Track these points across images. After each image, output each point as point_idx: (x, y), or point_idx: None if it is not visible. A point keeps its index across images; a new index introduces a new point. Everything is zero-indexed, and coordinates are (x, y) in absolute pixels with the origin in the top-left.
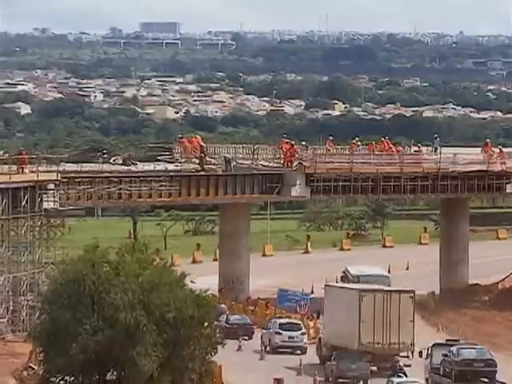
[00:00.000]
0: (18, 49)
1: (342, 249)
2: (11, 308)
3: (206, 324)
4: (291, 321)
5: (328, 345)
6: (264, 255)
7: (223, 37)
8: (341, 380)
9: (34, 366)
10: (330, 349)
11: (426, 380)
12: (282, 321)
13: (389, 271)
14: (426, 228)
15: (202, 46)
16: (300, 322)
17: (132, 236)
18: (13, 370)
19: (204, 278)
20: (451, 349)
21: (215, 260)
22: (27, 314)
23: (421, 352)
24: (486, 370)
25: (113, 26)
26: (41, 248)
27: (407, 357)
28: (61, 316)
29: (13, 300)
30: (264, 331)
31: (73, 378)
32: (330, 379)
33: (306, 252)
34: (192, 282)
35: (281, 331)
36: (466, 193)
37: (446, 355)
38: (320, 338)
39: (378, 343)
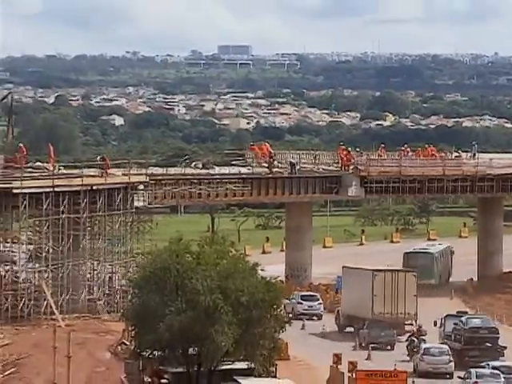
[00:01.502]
0: (112, 69)
1: (392, 241)
2: (107, 292)
3: (274, 306)
4: (310, 293)
5: (345, 315)
6: (324, 247)
7: (289, 58)
8: (372, 345)
9: (126, 342)
10: (347, 318)
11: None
12: (303, 293)
13: None
14: (465, 223)
15: (271, 66)
16: (317, 294)
17: (210, 230)
18: (108, 346)
19: (272, 267)
20: (461, 319)
21: (282, 251)
22: (120, 297)
23: (435, 322)
24: (489, 336)
25: (194, 48)
26: (132, 240)
27: (411, 324)
28: (149, 299)
29: (108, 285)
30: (288, 302)
31: (160, 353)
32: (363, 344)
33: (361, 244)
34: (262, 270)
35: (302, 301)
36: (500, 192)
37: (456, 324)
38: (338, 310)
39: (388, 313)
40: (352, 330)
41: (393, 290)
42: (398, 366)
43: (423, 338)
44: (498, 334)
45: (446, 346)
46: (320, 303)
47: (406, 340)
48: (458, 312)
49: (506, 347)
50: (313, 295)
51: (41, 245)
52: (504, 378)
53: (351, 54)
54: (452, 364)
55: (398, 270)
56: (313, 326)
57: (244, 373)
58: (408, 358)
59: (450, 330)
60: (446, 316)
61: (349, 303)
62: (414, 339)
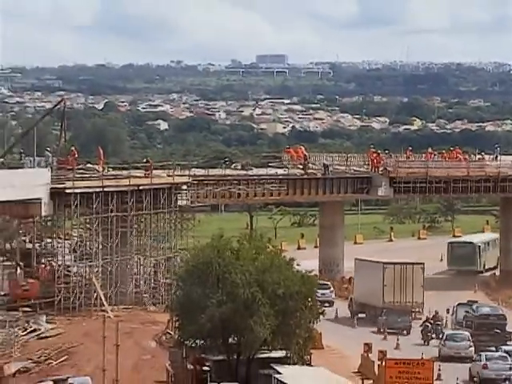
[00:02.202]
0: (157, 77)
1: (419, 238)
2: (152, 285)
3: (309, 298)
4: (323, 282)
5: (357, 303)
6: (355, 243)
7: (322, 66)
8: (390, 330)
9: (170, 332)
10: (359, 306)
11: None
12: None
13: None
14: (488, 221)
15: (306, 74)
16: (329, 283)
17: (249, 228)
18: (154, 335)
19: (307, 262)
20: (472, 307)
21: (316, 247)
22: (165, 290)
23: (448, 310)
24: (498, 323)
25: (234, 58)
26: (175, 237)
27: (418, 311)
28: (192, 292)
29: (154, 279)
30: None
31: (202, 342)
32: (382, 330)
33: (390, 240)
34: (297, 264)
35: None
36: None
37: (467, 312)
38: (351, 298)
39: (397, 302)
40: (364, 315)
41: (401, 280)
42: (413, 349)
43: (438, 323)
44: (506, 320)
45: (467, 333)
46: (332, 291)
47: (421, 326)
48: (468, 301)
49: None
50: (325, 284)
51: (91, 241)
52: None
53: (381, 62)
54: (472, 349)
55: (406, 263)
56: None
57: (281, 361)
58: (422, 342)
59: (461, 318)
60: (458, 304)
61: (361, 292)
62: (428, 324)
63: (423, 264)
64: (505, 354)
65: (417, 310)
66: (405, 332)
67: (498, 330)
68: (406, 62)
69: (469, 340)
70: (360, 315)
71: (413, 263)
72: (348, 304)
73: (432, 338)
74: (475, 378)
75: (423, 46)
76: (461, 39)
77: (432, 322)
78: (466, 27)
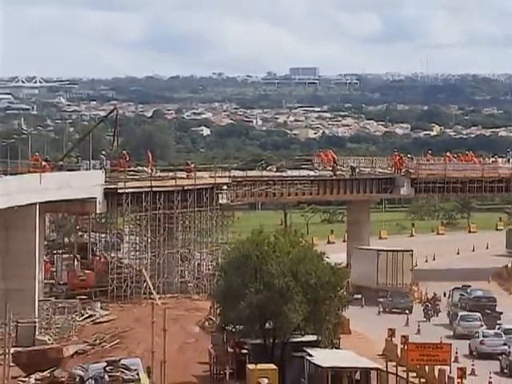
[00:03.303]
0: (201, 87)
1: (437, 233)
2: (196, 276)
3: (338, 288)
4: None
5: (354, 285)
6: (380, 238)
7: (350, 78)
8: (394, 310)
9: (212, 318)
10: (355, 288)
11: (448, 313)
12: None
13: (473, 250)
14: (501, 218)
15: (335, 85)
16: None
17: (283, 224)
18: (197, 321)
19: (336, 255)
20: (466, 290)
21: (344, 241)
22: (208, 280)
23: (445, 293)
24: (489, 304)
25: (269, 70)
26: (217, 232)
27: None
28: (232, 281)
29: (197, 270)
30: None
31: (241, 327)
32: (387, 310)
33: (411, 236)
34: (327, 257)
35: None
36: None
37: (462, 295)
38: (348, 281)
39: (389, 283)
40: (359, 296)
41: (393, 265)
42: (434, 334)
43: (438, 303)
44: (496, 302)
45: (479, 314)
46: None
47: (422, 305)
48: (463, 285)
49: (502, 312)
50: None
51: (141, 236)
52: (507, 337)
53: (403, 74)
54: (483, 328)
55: (397, 250)
56: None
57: (312, 344)
58: (424, 319)
59: (456, 300)
60: (454, 289)
61: (357, 275)
62: (429, 304)
63: (412, 251)
64: (499, 332)
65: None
66: (407, 311)
67: (488, 311)
68: (426, 74)
69: (480, 320)
70: (355, 296)
71: (403, 250)
72: (345, 286)
73: (432, 316)
74: (474, 353)
75: (441, 59)
76: (476, 53)
77: (432, 302)
78: (480, 42)
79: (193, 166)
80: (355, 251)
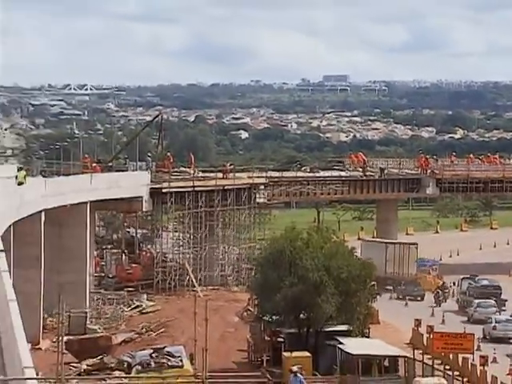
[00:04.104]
0: (239, 94)
1: (461, 230)
2: (235, 269)
3: (368, 281)
4: None
5: None
6: (407, 234)
7: (379, 84)
8: (408, 297)
9: (250, 309)
10: None
11: (457, 300)
12: None
13: (494, 246)
14: None
15: (365, 91)
16: None
17: (316, 221)
18: (237, 311)
19: None
20: (474, 279)
21: (373, 237)
22: (246, 273)
23: (454, 283)
24: (494, 292)
25: (303, 77)
26: (254, 229)
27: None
28: (269, 275)
29: (236, 264)
30: None
31: (277, 317)
32: (401, 297)
33: (436, 232)
34: (355, 252)
35: None
36: None
37: (470, 283)
38: None
39: (396, 273)
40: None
41: (399, 256)
42: (457, 325)
43: (446, 291)
44: (501, 290)
45: (493, 301)
46: None
47: (433, 292)
48: (471, 275)
49: (507, 300)
50: None
51: (184, 232)
52: None
53: (429, 81)
54: (498, 313)
55: (403, 243)
56: None
57: (344, 334)
58: (435, 305)
59: (465, 288)
60: (462, 278)
61: None
62: (439, 291)
63: (416, 244)
64: (511, 318)
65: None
66: (419, 298)
67: (494, 298)
68: (450, 81)
69: (495, 306)
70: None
71: (409, 243)
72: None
73: (442, 302)
74: (487, 337)
75: (465, 67)
76: (497, 61)
77: (441, 289)
78: (501, 51)
79: (230, 167)
80: (364, 243)
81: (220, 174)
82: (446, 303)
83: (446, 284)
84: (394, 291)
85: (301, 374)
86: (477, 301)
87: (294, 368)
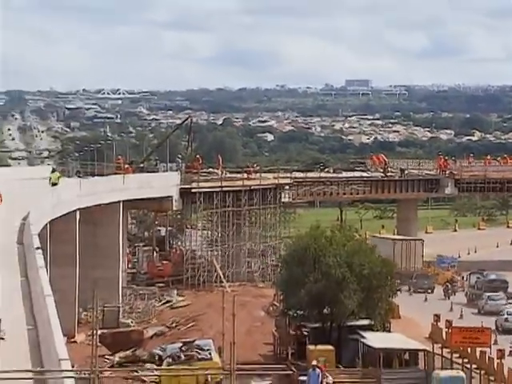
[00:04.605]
0: (265, 98)
1: (478, 228)
2: (261, 266)
3: (388, 277)
4: None
5: None
6: (426, 232)
7: (399, 89)
8: (419, 290)
9: (276, 304)
10: None
11: (466, 293)
12: None
13: (511, 243)
14: None
15: (386, 95)
16: None
17: (339, 220)
18: (263, 306)
19: None
20: (482, 274)
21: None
22: (272, 269)
23: (463, 277)
24: (501, 286)
25: (327, 82)
26: (280, 227)
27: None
28: (293, 271)
29: (262, 261)
30: None
31: (301, 312)
32: (412, 290)
33: (454, 230)
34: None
35: None
36: None
37: (478, 277)
38: None
39: (403, 267)
40: None
41: (406, 252)
42: (438, 303)
43: (455, 284)
44: (507, 284)
45: (503, 294)
46: None
47: (442, 285)
48: (478, 270)
49: None
50: None
51: (212, 230)
52: None
53: (447, 85)
54: (508, 306)
55: (410, 239)
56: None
57: (366, 328)
58: (444, 297)
59: (473, 282)
60: (471, 273)
61: None
62: (448, 285)
63: (422, 240)
64: None
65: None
66: (429, 291)
67: (501, 291)
68: (468, 85)
69: (504, 299)
70: None
71: (415, 239)
72: None
73: (451, 295)
74: (499, 328)
75: (482, 72)
76: None
77: (450, 283)
78: None
79: (257, 167)
80: (372, 239)
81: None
82: (455, 296)
83: (455, 278)
84: (403, 284)
85: (318, 367)
86: (487, 294)
87: (314, 362)
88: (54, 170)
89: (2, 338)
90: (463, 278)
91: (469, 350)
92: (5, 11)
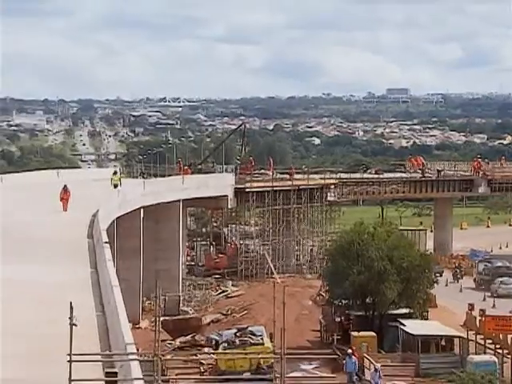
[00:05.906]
0: (313, 105)
1: (510, 225)
2: (309, 259)
3: (426, 270)
4: None
5: None
6: (461, 228)
7: (436, 96)
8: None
9: (322, 294)
10: None
11: (474, 279)
12: None
13: None
14: None
15: (424, 102)
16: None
17: (380, 217)
18: (310, 296)
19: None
20: (489, 261)
21: (431, 231)
22: (318, 262)
23: (472, 265)
24: (507, 272)
25: (369, 90)
26: (326, 224)
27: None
28: (338, 264)
29: (310, 254)
30: None
31: (346, 301)
32: None
33: (487, 227)
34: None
35: None
36: None
37: (486, 265)
38: None
39: None
40: None
41: (412, 240)
42: (480, 296)
43: (462, 269)
44: None
45: None
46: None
47: (452, 270)
48: (485, 258)
49: None
50: None
51: (264, 226)
52: None
53: (480, 93)
54: None
55: (414, 229)
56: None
57: (405, 316)
58: (454, 281)
59: (481, 269)
60: (479, 261)
61: None
62: (457, 270)
63: (426, 230)
64: None
65: None
66: (438, 274)
67: (507, 276)
68: (500, 93)
69: None
70: None
71: (419, 229)
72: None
73: (459, 279)
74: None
75: None
76: None
77: (458, 268)
78: None
79: (302, 169)
80: None
81: (295, 176)
82: (463, 279)
83: (462, 264)
84: None
85: (354, 355)
86: (500, 279)
87: (349, 350)
88: (115, 173)
89: (75, 325)
90: (472, 265)
91: (500, 336)
92: (77, 29)
